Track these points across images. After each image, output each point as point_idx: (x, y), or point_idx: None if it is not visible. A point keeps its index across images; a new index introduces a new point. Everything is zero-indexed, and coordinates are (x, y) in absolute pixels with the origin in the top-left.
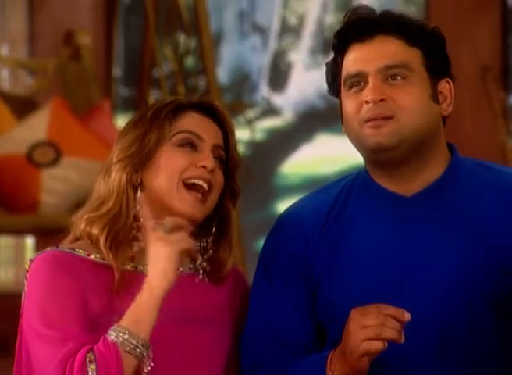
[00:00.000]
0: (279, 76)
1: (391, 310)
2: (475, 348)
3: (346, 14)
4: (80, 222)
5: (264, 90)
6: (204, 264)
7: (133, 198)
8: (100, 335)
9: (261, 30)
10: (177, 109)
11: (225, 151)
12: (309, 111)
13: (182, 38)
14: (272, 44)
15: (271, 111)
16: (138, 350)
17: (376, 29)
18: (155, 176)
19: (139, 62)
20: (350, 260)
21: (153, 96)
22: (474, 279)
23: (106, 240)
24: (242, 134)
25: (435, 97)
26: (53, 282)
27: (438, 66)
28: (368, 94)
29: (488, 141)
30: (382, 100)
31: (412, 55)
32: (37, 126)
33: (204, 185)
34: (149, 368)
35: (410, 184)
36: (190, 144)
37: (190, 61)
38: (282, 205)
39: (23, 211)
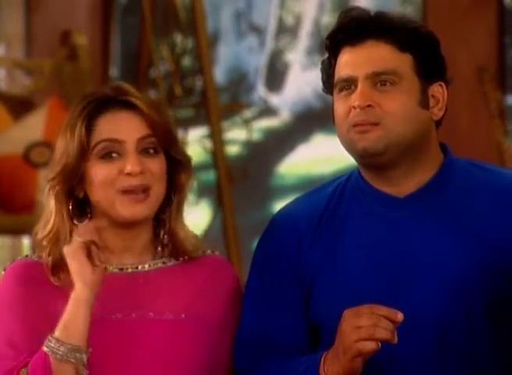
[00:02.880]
0: (275, 76)
1: (384, 310)
2: (472, 349)
3: (339, 15)
4: (35, 237)
5: (261, 90)
6: (166, 237)
7: (67, 216)
8: None
9: (258, 30)
10: (92, 114)
11: (155, 133)
12: (306, 111)
13: (179, 38)
14: (269, 44)
15: (268, 111)
16: (70, 355)
17: (367, 33)
18: (92, 190)
19: (136, 62)
20: (344, 261)
21: (150, 96)
22: (469, 279)
23: (48, 257)
24: (239, 134)
25: (424, 102)
26: (14, 295)
27: (430, 69)
28: (355, 99)
29: (485, 141)
30: (369, 106)
31: (402, 61)
32: (34, 127)
33: (139, 191)
34: (86, 373)
35: (402, 186)
36: (113, 153)
37: (186, 61)
38: (279, 205)
39: (20, 211)
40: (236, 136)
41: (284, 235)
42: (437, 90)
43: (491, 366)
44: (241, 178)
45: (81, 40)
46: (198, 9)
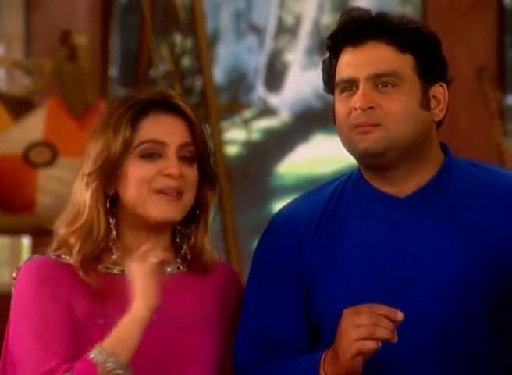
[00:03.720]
0: (275, 76)
1: (384, 310)
2: (472, 349)
3: (340, 16)
4: (58, 233)
5: (260, 90)
6: (187, 252)
7: (103, 212)
8: (87, 340)
9: (258, 30)
10: (138, 114)
11: (195, 142)
12: (305, 111)
13: (178, 38)
14: (269, 44)
15: (267, 111)
16: (116, 371)
17: (368, 34)
18: (125, 188)
19: (135, 62)
20: (344, 261)
21: None
22: (469, 279)
23: (78, 253)
24: (238, 134)
25: (425, 103)
26: (39, 293)
27: (431, 70)
28: (356, 100)
29: (485, 141)
30: (370, 108)
31: (403, 62)
32: (34, 127)
33: (173, 192)
34: None
35: (402, 186)
36: (154, 154)
37: (186, 61)
38: (278, 206)
39: (20, 211)
40: (236, 136)
41: (284, 235)
42: (438, 90)
43: (491, 365)
44: (241, 178)
45: (81, 40)
46: (198, 9)
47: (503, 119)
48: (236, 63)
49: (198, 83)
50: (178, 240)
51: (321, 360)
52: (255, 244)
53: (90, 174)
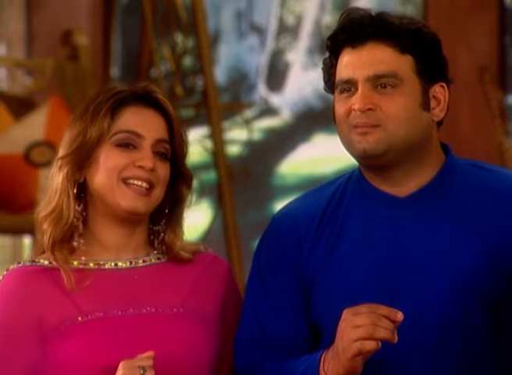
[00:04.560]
0: (276, 76)
1: (383, 310)
2: (471, 348)
3: (340, 16)
4: (37, 219)
5: (261, 90)
6: (161, 247)
7: (73, 197)
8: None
9: (259, 30)
10: (119, 103)
11: (171, 140)
12: (307, 111)
13: (179, 38)
14: (270, 44)
15: (268, 111)
16: None
17: (368, 35)
18: (95, 175)
19: (136, 62)
20: (344, 261)
21: None
22: (470, 279)
23: (49, 239)
24: (239, 134)
25: (425, 104)
26: (5, 314)
27: (431, 71)
28: (355, 101)
29: (486, 141)
30: (369, 109)
31: (403, 63)
32: (35, 126)
33: (144, 184)
34: None
35: (403, 186)
36: (129, 144)
37: (187, 61)
38: (280, 205)
39: (21, 211)
40: (237, 136)
41: (285, 235)
42: (438, 91)
43: (490, 365)
44: (242, 178)
45: (82, 40)
46: (199, 9)
47: (504, 119)
48: (237, 63)
49: (199, 82)
50: (152, 237)
51: (322, 359)
52: (256, 243)
53: (63, 158)
